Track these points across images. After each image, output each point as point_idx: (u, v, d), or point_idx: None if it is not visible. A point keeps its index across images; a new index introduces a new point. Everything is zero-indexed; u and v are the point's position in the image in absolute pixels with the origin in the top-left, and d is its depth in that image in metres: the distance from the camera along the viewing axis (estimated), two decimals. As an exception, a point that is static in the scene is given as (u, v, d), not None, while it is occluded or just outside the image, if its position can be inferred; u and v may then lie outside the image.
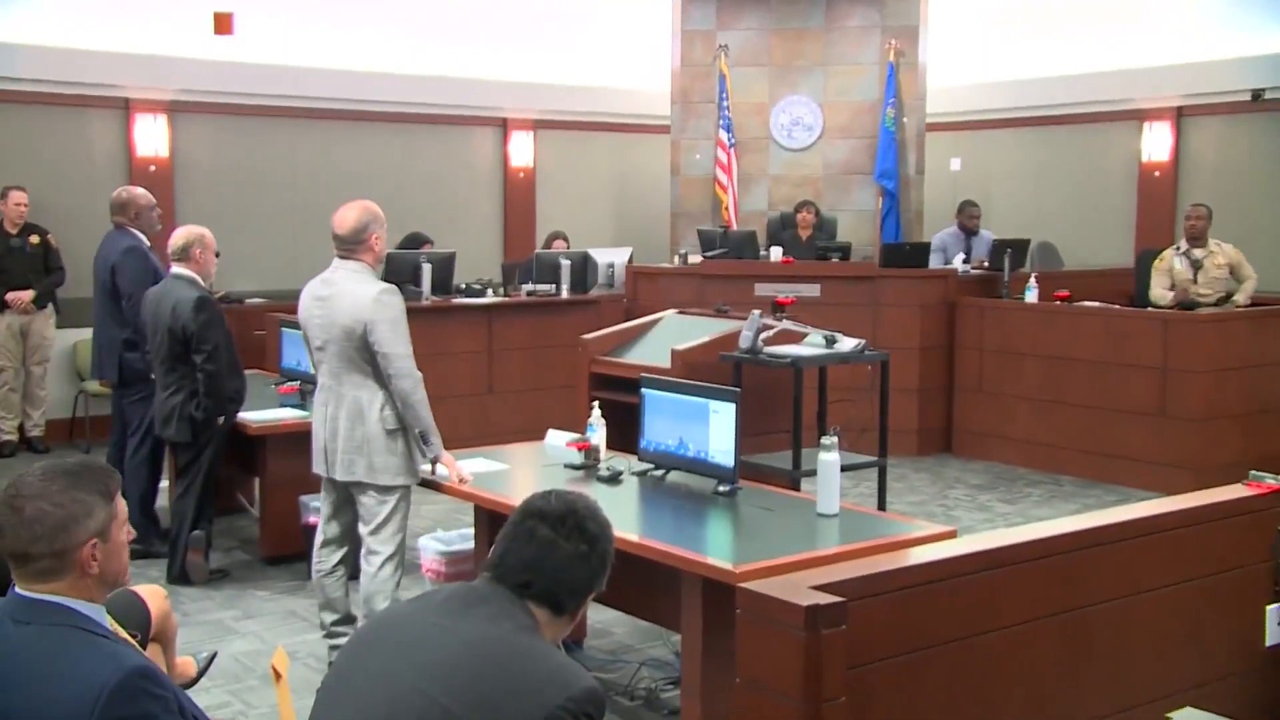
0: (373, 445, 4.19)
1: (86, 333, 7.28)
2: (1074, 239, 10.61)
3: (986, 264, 9.09)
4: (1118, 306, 8.12)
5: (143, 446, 5.86)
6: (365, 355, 4.16)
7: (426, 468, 4.31)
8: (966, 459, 8.32)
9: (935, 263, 9.08)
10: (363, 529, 4.31)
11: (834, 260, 8.63)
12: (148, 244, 6.02)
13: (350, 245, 4.24)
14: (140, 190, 6.18)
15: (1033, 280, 8.29)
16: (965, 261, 9.26)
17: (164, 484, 6.40)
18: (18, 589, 2.19)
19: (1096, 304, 8.06)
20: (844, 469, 3.99)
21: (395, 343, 4.12)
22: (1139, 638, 2.82)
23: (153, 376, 5.79)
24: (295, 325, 6.38)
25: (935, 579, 2.46)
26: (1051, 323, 7.98)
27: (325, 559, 4.45)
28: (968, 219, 9.61)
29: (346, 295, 4.18)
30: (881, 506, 5.63)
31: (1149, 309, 7.94)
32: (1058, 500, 7.29)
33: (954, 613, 2.48)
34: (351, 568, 4.42)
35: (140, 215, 5.99)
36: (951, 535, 3.56)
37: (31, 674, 2.09)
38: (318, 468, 4.38)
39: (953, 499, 7.30)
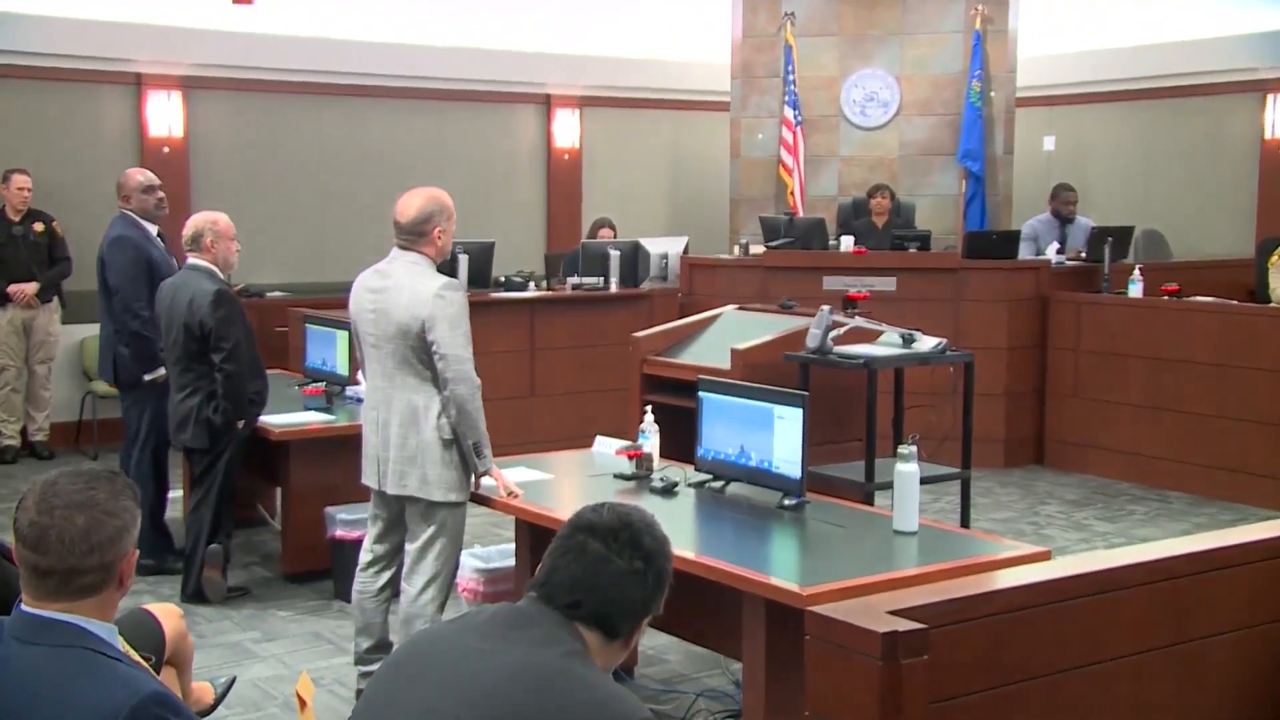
0: (428, 456, 4.21)
1: (94, 328, 7.40)
2: (1185, 226, 10.47)
3: (1084, 254, 9.00)
4: (1235, 302, 8.00)
5: (144, 453, 5.93)
6: (422, 356, 4.18)
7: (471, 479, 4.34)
8: (1060, 472, 8.24)
9: (1026, 253, 9.00)
10: (408, 546, 4.34)
11: (912, 250, 8.57)
12: (154, 231, 6.07)
13: (411, 236, 4.26)
14: (136, 171, 6.21)
15: (1137, 272, 8.19)
16: (1060, 252, 9.17)
17: (175, 494, 6.50)
18: (25, 607, 2.22)
19: (1210, 299, 7.94)
20: (923, 482, 3.98)
21: (455, 343, 4.14)
22: (1258, 674, 2.77)
23: (146, 379, 5.87)
24: (320, 321, 6.52)
25: (1028, 605, 2.44)
26: (1158, 320, 7.88)
27: (370, 580, 4.47)
28: (1062, 204, 9.51)
29: (404, 289, 4.20)
30: (965, 524, 5.60)
31: (1271, 304, 7.81)
32: (1165, 519, 7.20)
33: (1048, 643, 2.46)
34: (397, 588, 4.45)
35: (133, 198, 6.02)
36: (1045, 557, 3.54)
37: (39, 699, 2.13)
38: (368, 479, 4.41)
39: (1045, 516, 7.24)
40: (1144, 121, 10.97)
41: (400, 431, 4.24)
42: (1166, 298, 7.98)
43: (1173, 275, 8.34)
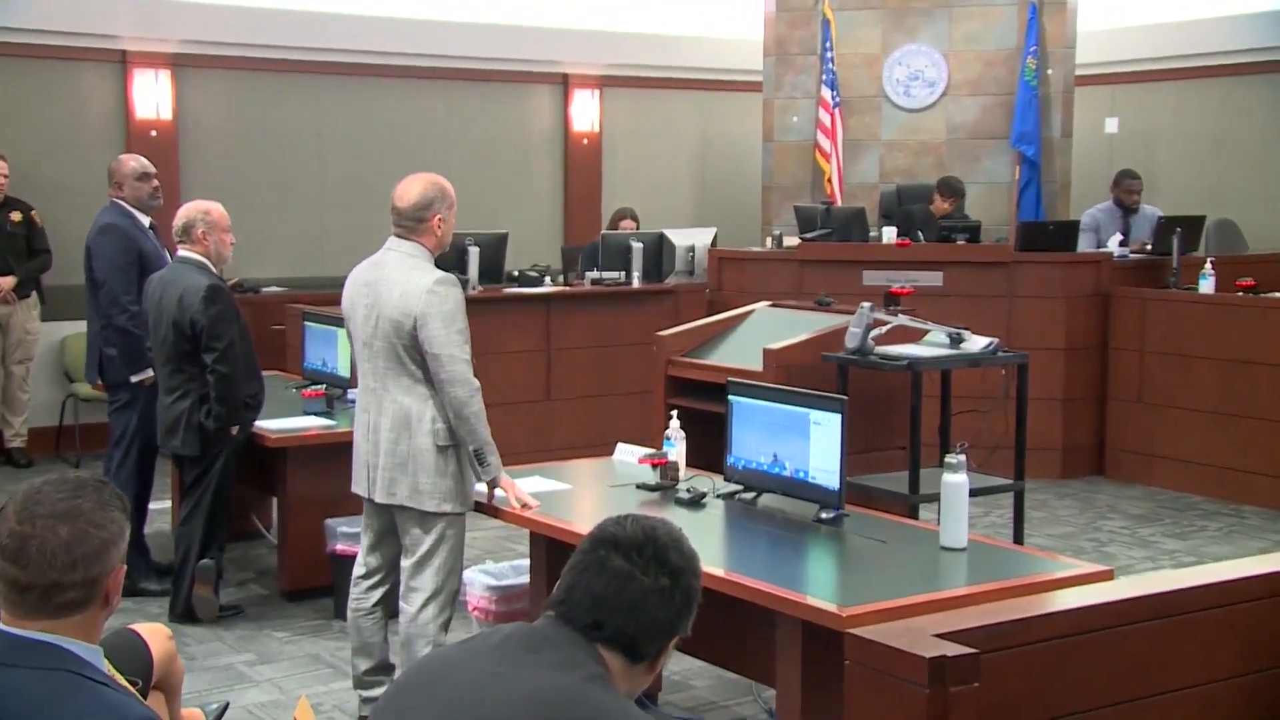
0: (419, 463, 4.24)
1: (76, 326, 7.46)
2: (1261, 215, 10.39)
3: (1150, 246, 8.96)
4: (1315, 298, 7.96)
5: (127, 461, 5.94)
6: (415, 355, 4.21)
7: (481, 489, 4.36)
8: (1123, 483, 8.21)
9: (1085, 245, 8.97)
10: (404, 562, 4.36)
11: (960, 242, 8.56)
12: (146, 222, 6.12)
13: (409, 223, 4.30)
14: (130, 157, 6.26)
15: (1208, 266, 8.15)
16: (1123, 244, 9.14)
17: (159, 505, 6.53)
18: (3, 626, 2.23)
19: (1288, 295, 7.91)
20: (972, 494, 3.97)
21: (449, 342, 4.16)
22: (1340, 705, 2.76)
23: (133, 380, 5.90)
24: (319, 319, 6.55)
25: (1087, 629, 2.43)
26: (1232, 318, 7.84)
27: (364, 596, 4.50)
28: (1126, 192, 9.47)
29: (396, 283, 4.23)
30: (1018, 540, 5.58)
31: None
32: (1239, 536, 7.16)
33: (1110, 671, 2.45)
34: (393, 607, 4.48)
35: (126, 186, 6.06)
36: (1107, 576, 3.53)
37: (19, 725, 2.15)
38: (358, 487, 4.44)
39: (1106, 532, 7.21)
40: (1216, 101, 10.90)
41: (391, 436, 4.27)
42: (1241, 294, 7.93)
43: (1248, 269, 8.28)
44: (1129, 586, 2.69)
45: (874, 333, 5.54)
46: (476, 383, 4.21)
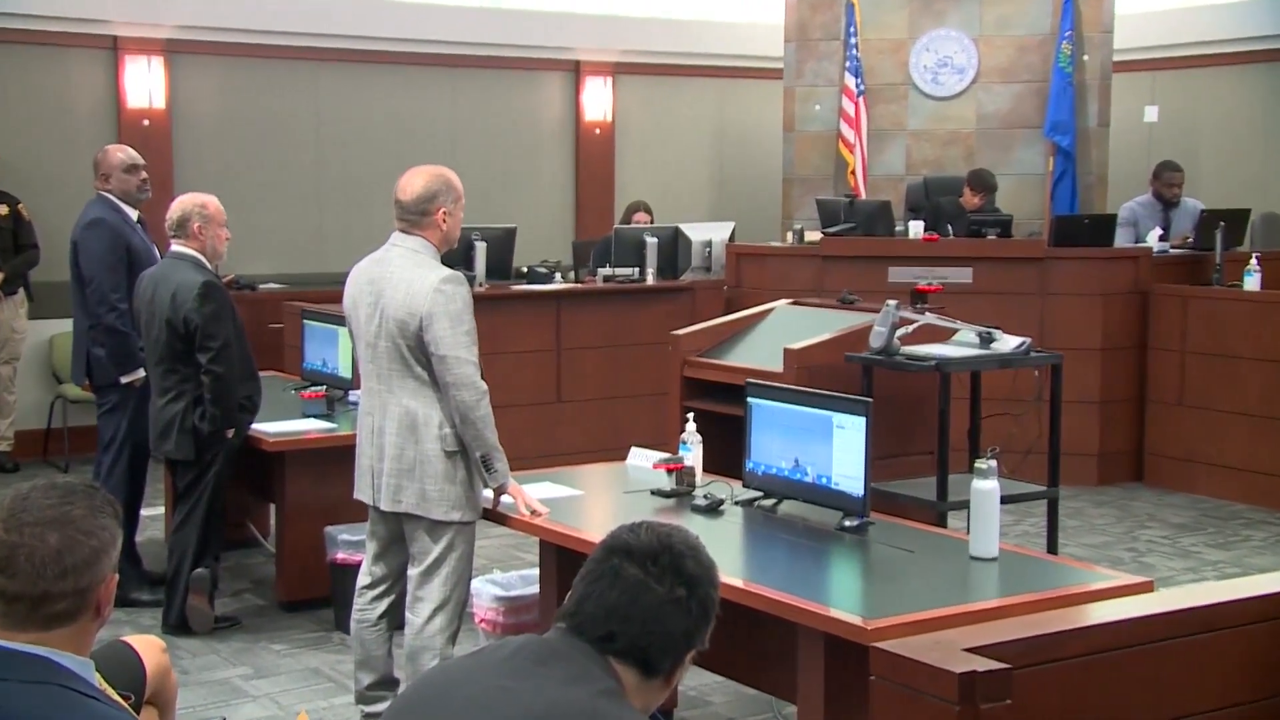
0: (427, 469, 4.25)
1: (65, 325, 7.48)
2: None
3: (1191, 241, 8.94)
4: (1367, 297, 7.93)
5: (117, 466, 5.95)
6: (420, 357, 4.22)
7: (488, 495, 4.37)
8: (1163, 491, 8.19)
9: (1123, 240, 8.96)
10: (411, 570, 4.38)
11: (991, 237, 8.54)
12: (134, 215, 6.14)
13: (413, 217, 4.32)
14: (117, 148, 6.28)
15: (1254, 262, 8.14)
16: (1163, 238, 9.13)
17: (152, 512, 6.54)
18: (-9, 637, 2.25)
19: (1338, 293, 7.88)
20: (1004, 501, 3.97)
21: (456, 343, 4.17)
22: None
23: (123, 381, 5.91)
24: (319, 317, 6.57)
25: (1125, 644, 2.43)
26: (1278, 316, 7.81)
27: (368, 608, 4.52)
28: (1166, 185, 9.45)
29: (400, 281, 4.24)
30: (1052, 549, 5.57)
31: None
32: (1284, 546, 7.15)
33: (1150, 688, 2.45)
34: (398, 618, 4.49)
35: (113, 178, 6.08)
36: (1146, 588, 3.53)
37: (4, 740, 2.16)
38: (361, 494, 4.46)
39: (1145, 542, 7.20)
40: (1262, 88, 10.87)
41: (397, 441, 4.28)
42: (1287, 291, 7.93)
43: (1294, 265, 8.28)
44: (1169, 599, 2.69)
45: (900, 332, 5.54)
46: (484, 385, 4.22)
